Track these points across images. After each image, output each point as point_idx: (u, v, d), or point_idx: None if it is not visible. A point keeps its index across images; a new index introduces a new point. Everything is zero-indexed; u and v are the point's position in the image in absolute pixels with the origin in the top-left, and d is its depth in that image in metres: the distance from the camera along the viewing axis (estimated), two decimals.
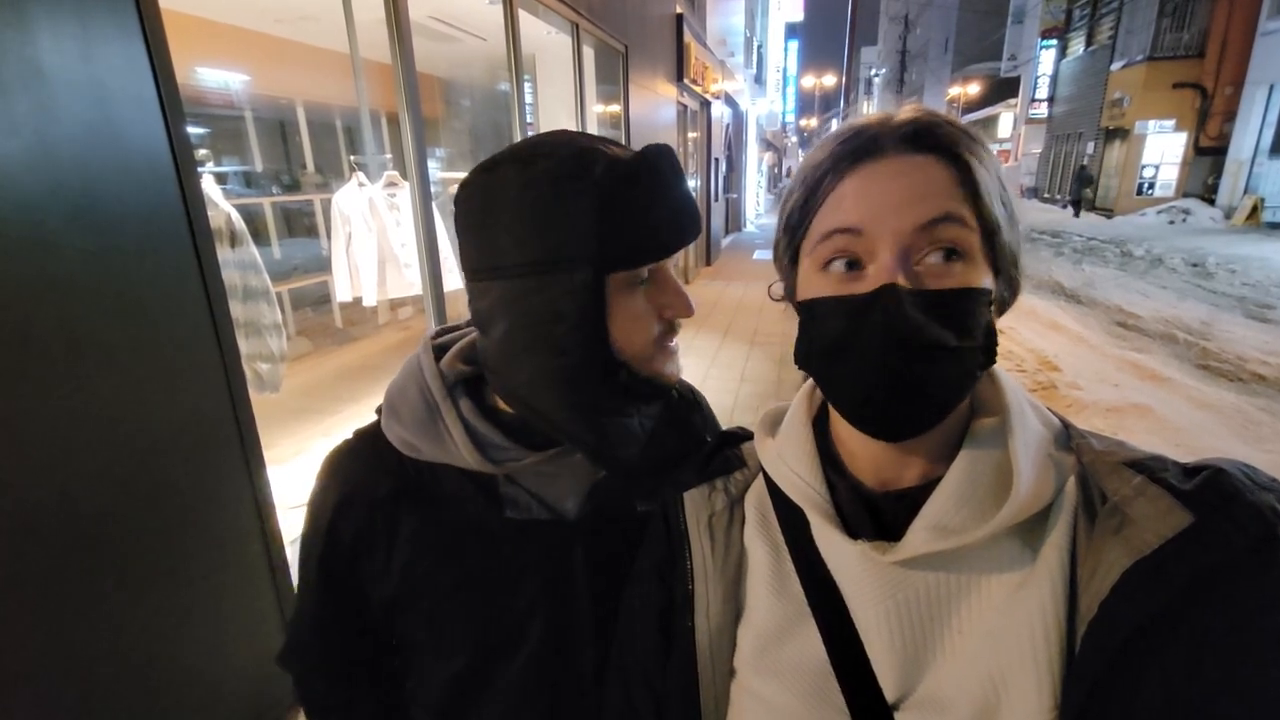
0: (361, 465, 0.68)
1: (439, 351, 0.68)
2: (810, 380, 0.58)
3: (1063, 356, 5.24)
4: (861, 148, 0.46)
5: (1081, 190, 18.44)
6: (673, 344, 0.64)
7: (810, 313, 0.48)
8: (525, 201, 0.56)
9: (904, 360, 0.43)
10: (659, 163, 0.58)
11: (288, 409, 3.44)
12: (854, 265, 0.45)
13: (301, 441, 3.29)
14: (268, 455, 1.80)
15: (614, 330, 0.59)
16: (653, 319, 0.61)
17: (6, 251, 1.16)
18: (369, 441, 0.68)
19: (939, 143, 0.45)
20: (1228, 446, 3.49)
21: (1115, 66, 18.10)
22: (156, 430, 1.46)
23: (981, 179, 0.44)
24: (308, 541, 0.69)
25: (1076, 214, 18.15)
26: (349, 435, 0.72)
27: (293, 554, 1.91)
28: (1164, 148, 16.89)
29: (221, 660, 1.67)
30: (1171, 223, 14.63)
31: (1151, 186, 17.29)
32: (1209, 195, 15.59)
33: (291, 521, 2.23)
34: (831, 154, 0.47)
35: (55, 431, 1.26)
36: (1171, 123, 16.43)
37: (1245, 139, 14.34)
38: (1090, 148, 19.67)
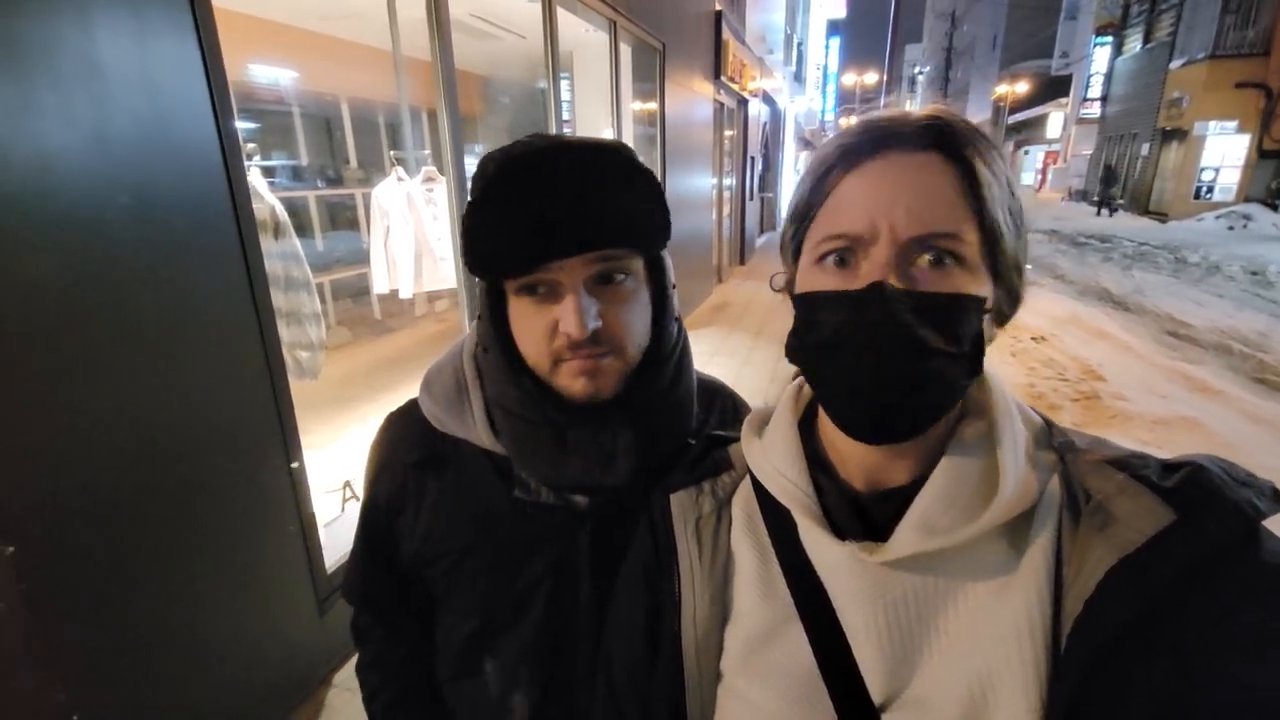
0: (400, 433, 0.75)
1: None
2: (797, 381, 0.58)
3: (1108, 365, 5.05)
4: (869, 142, 0.45)
5: (1109, 190, 18.76)
6: (584, 361, 0.61)
7: (804, 306, 0.48)
8: None
9: (888, 360, 0.43)
10: (512, 176, 0.57)
11: (326, 397, 3.55)
12: (847, 261, 0.45)
13: (338, 429, 3.38)
14: (305, 441, 1.86)
15: (514, 336, 0.63)
16: (544, 330, 0.60)
17: (66, 239, 1.23)
18: (407, 413, 0.75)
19: (946, 142, 0.44)
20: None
21: (1174, 65, 17.34)
22: (200, 413, 1.52)
23: (986, 183, 0.43)
24: (363, 496, 0.77)
25: (1099, 213, 18.57)
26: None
27: (326, 536, 1.98)
28: (1225, 150, 16.11)
29: (256, 632, 1.73)
30: (1231, 228, 13.97)
31: (1210, 190, 16.53)
32: (1272, 200, 14.84)
33: (327, 504, 2.30)
34: (840, 147, 0.47)
35: (106, 411, 1.32)
36: (1233, 124, 15.66)
37: None
38: (1145, 149, 18.91)
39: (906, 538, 0.45)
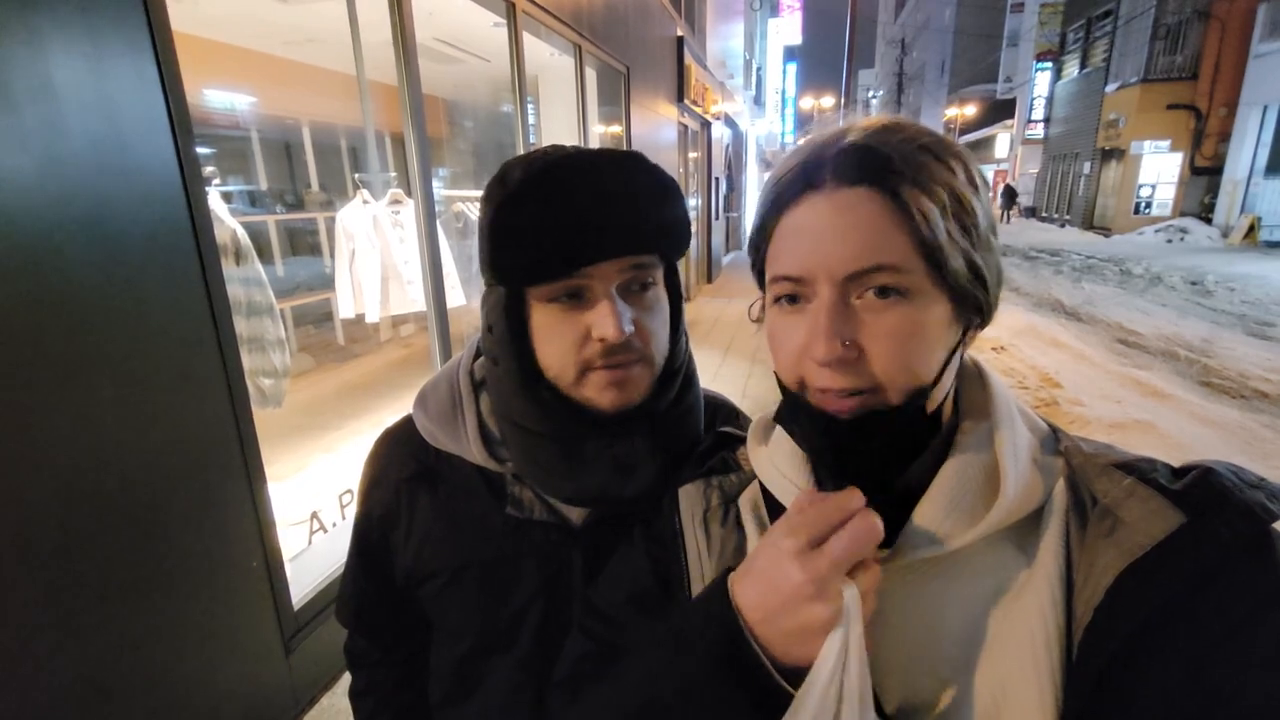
0: (392, 449, 0.74)
1: (480, 354, 0.71)
2: None
3: (1064, 373, 5.23)
4: (804, 178, 0.46)
5: (1010, 203, 24.47)
6: (614, 370, 0.60)
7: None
8: (479, 214, 0.62)
9: (840, 452, 0.46)
10: (545, 180, 0.57)
11: (289, 425, 3.43)
12: (797, 300, 0.47)
13: (302, 458, 3.27)
14: (269, 472, 1.79)
15: (536, 346, 0.61)
16: (574, 338, 0.59)
17: (17, 263, 1.17)
18: (402, 429, 0.74)
19: (872, 173, 0.43)
20: (1231, 461, 3.48)
21: (1110, 88, 18.34)
22: (159, 443, 1.46)
23: (918, 207, 0.42)
24: (356, 513, 0.76)
25: (1003, 220, 23.42)
26: (360, 442, 0.75)
27: (292, 571, 1.90)
28: (1160, 168, 17.04)
29: (218, 676, 1.65)
30: (1169, 241, 14.71)
31: (1148, 206, 17.43)
32: (1206, 214, 15.70)
33: (291, 538, 2.21)
34: (775, 185, 0.48)
35: (58, 442, 1.25)
36: (1166, 143, 16.59)
37: (1240, 159, 14.48)
38: (1087, 168, 19.87)
39: (910, 544, 0.45)
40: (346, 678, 2.11)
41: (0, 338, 1.15)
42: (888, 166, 0.43)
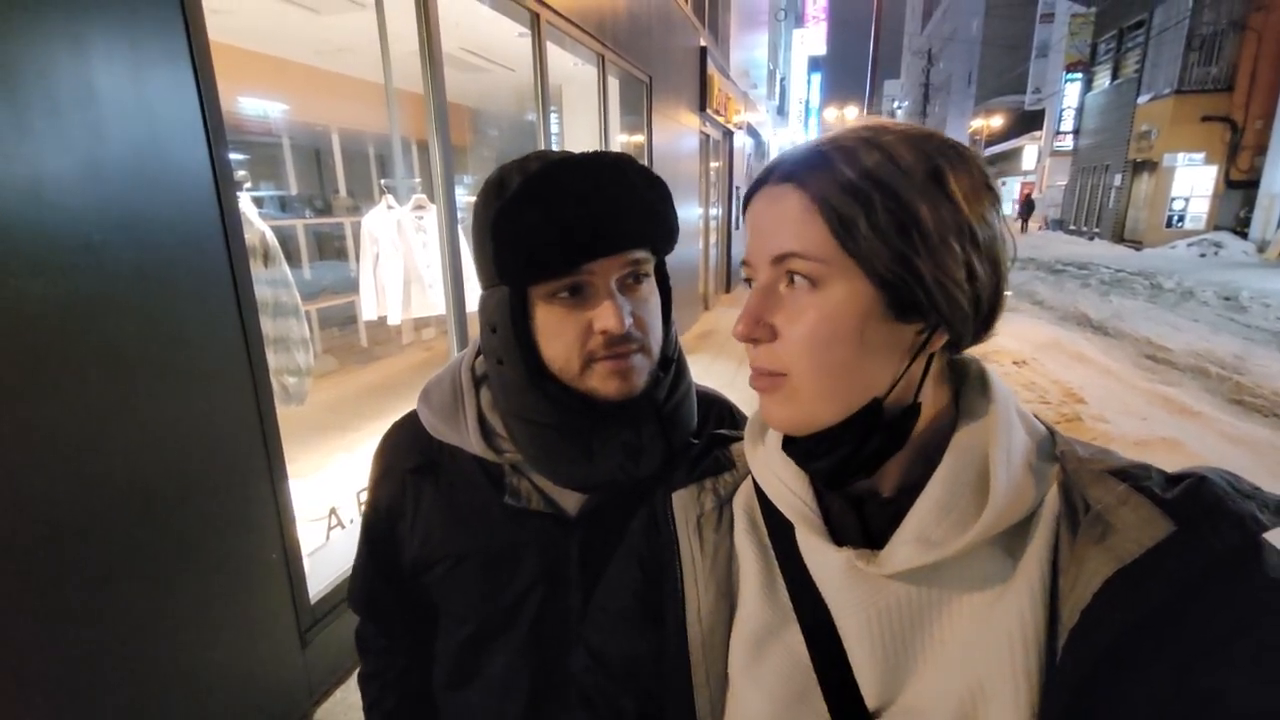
0: (397, 443, 0.78)
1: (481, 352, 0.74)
2: None
3: (1088, 389, 5.12)
4: (760, 179, 0.50)
5: (1028, 214, 27.41)
6: (617, 360, 0.63)
7: None
8: (473, 220, 0.66)
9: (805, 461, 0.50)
10: (545, 182, 0.60)
11: (311, 424, 3.50)
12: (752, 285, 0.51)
13: (323, 456, 3.34)
14: (290, 469, 1.83)
15: (540, 342, 0.64)
16: (578, 332, 0.62)
17: (56, 263, 1.22)
18: (407, 423, 0.78)
19: (800, 171, 0.46)
20: (1261, 482, 3.37)
21: (1142, 99, 18.00)
22: (185, 437, 1.51)
23: (834, 203, 0.43)
24: (366, 504, 0.80)
25: (1023, 230, 26.09)
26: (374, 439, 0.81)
27: (310, 565, 1.94)
28: (1193, 180, 16.66)
29: (236, 665, 1.69)
30: (1202, 255, 14.35)
31: (1181, 219, 17.05)
32: (1241, 229, 15.29)
33: (311, 533, 2.26)
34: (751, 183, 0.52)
35: (87, 435, 1.31)
36: (1201, 156, 16.22)
37: (1277, 172, 14.09)
38: (1117, 180, 19.50)
39: (903, 552, 0.45)
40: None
41: (38, 334, 1.21)
42: (814, 164, 0.45)
